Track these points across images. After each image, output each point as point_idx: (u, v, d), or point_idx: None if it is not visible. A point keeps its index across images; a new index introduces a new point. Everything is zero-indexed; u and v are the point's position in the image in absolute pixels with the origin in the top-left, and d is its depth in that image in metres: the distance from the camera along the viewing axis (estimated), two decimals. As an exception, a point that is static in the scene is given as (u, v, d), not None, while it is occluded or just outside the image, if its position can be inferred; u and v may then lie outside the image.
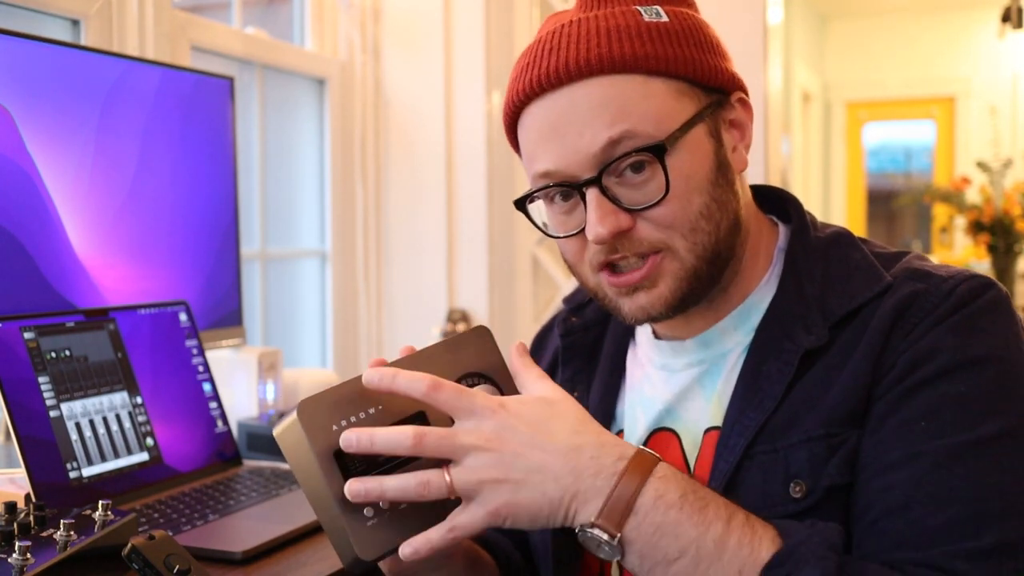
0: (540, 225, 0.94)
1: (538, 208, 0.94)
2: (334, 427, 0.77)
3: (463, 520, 0.76)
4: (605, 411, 1.01)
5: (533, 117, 0.90)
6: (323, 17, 2.41)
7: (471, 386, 0.83)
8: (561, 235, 0.92)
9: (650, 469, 0.77)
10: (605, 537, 0.75)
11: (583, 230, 0.88)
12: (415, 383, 0.77)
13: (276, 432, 0.80)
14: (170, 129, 1.57)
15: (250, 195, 2.14)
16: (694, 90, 0.88)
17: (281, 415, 1.59)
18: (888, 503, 0.80)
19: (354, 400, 0.79)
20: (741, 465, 0.86)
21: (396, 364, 0.82)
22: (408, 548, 0.76)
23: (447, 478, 0.76)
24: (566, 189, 0.89)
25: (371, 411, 0.79)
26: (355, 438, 0.76)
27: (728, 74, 0.91)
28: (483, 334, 0.87)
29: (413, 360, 0.83)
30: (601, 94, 0.86)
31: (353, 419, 0.78)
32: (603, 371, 1.04)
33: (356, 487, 0.76)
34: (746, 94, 0.94)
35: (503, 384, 0.86)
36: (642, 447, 0.79)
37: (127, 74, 1.49)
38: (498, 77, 2.46)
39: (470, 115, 2.44)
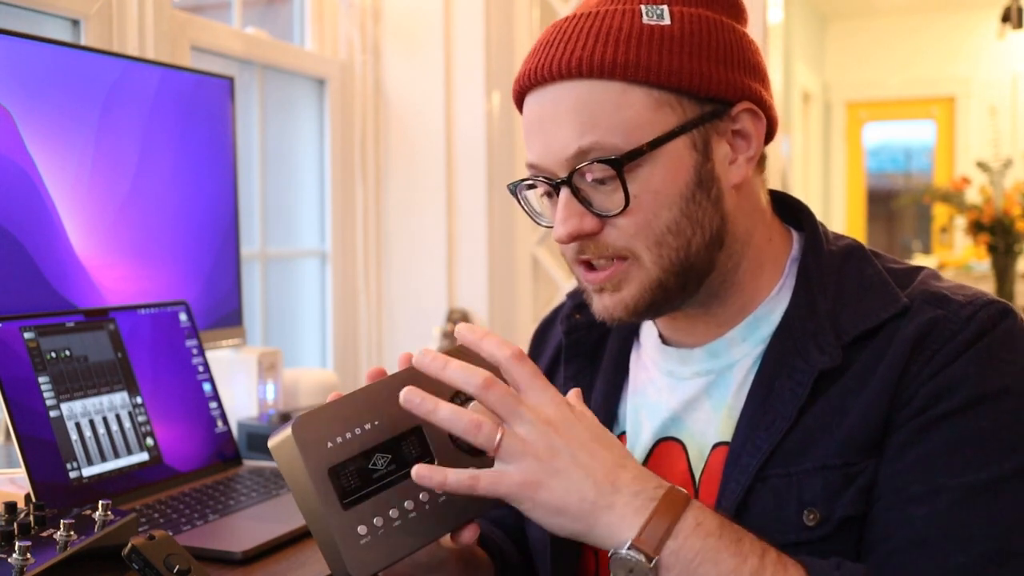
0: (528, 210, 0.96)
1: (535, 194, 0.96)
2: (329, 444, 0.77)
3: (490, 477, 0.75)
4: (607, 411, 1.00)
5: (528, 107, 0.91)
6: (323, 17, 2.41)
7: (468, 399, 0.83)
8: (546, 224, 0.95)
9: (687, 499, 0.77)
10: (642, 559, 0.73)
11: None
12: (502, 348, 0.78)
13: (271, 444, 0.79)
14: (170, 129, 1.57)
15: (250, 195, 2.14)
16: (680, 100, 0.86)
17: (284, 416, 1.59)
18: (909, 537, 0.80)
19: (350, 416, 0.79)
20: (753, 487, 0.85)
21: (392, 378, 0.82)
22: (424, 470, 0.76)
23: (499, 435, 0.75)
24: (545, 187, 0.91)
25: (367, 427, 0.79)
26: (429, 360, 0.77)
27: (730, 84, 0.88)
28: None
29: (411, 371, 0.82)
30: (576, 98, 0.86)
31: (348, 435, 0.78)
32: (606, 370, 1.03)
33: (411, 396, 0.76)
34: (759, 104, 0.90)
35: None
36: (674, 486, 0.78)
37: (127, 74, 1.49)
38: (498, 77, 2.46)
39: (470, 115, 2.43)
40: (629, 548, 0.74)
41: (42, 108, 1.34)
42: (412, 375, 0.81)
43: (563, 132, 0.86)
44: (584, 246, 0.89)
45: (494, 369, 0.84)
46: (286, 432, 0.77)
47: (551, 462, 0.75)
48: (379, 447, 0.79)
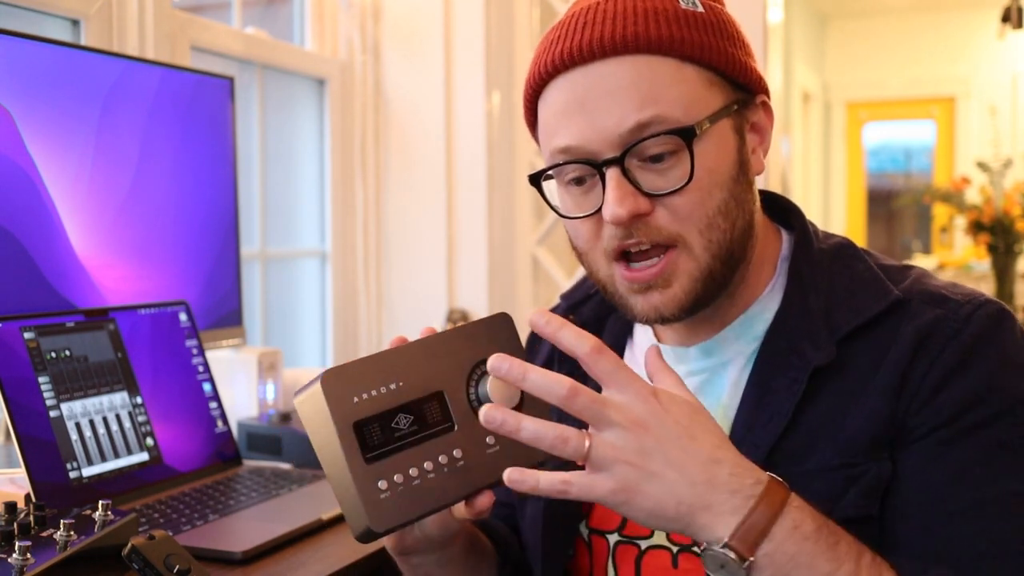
0: (550, 202, 0.92)
1: (551, 187, 0.92)
2: (355, 399, 0.78)
3: (583, 482, 0.72)
4: None
5: (559, 90, 0.88)
6: (323, 17, 2.41)
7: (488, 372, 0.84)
8: (575, 216, 0.89)
9: (785, 498, 0.73)
10: (733, 557, 0.71)
11: (599, 211, 0.86)
12: (580, 342, 0.73)
13: (297, 400, 0.80)
14: (170, 129, 1.57)
15: (250, 195, 2.14)
16: (724, 83, 0.87)
17: (284, 416, 1.59)
18: (960, 554, 0.79)
19: (376, 375, 0.80)
20: None
21: (416, 343, 0.82)
22: (516, 474, 0.73)
23: (587, 444, 0.72)
24: (584, 168, 0.87)
25: (392, 386, 0.80)
26: (507, 367, 0.73)
27: (756, 74, 0.90)
28: (505, 322, 0.87)
29: (435, 340, 0.83)
30: (634, 73, 0.84)
31: (374, 392, 0.79)
32: None
33: (493, 413, 0.72)
34: (769, 98, 0.93)
35: None
36: (773, 475, 0.75)
37: (127, 74, 1.49)
38: (498, 77, 2.46)
39: (470, 115, 2.44)
40: (724, 546, 0.71)
41: (42, 108, 1.34)
42: (433, 342, 0.83)
43: (617, 107, 0.84)
44: (634, 229, 0.85)
45: (492, 348, 0.84)
46: (314, 387, 0.78)
47: (644, 466, 0.72)
48: (402, 407, 0.80)
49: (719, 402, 0.92)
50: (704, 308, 0.90)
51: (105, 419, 1.25)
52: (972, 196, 5.04)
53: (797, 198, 1.03)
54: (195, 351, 1.42)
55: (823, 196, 7.29)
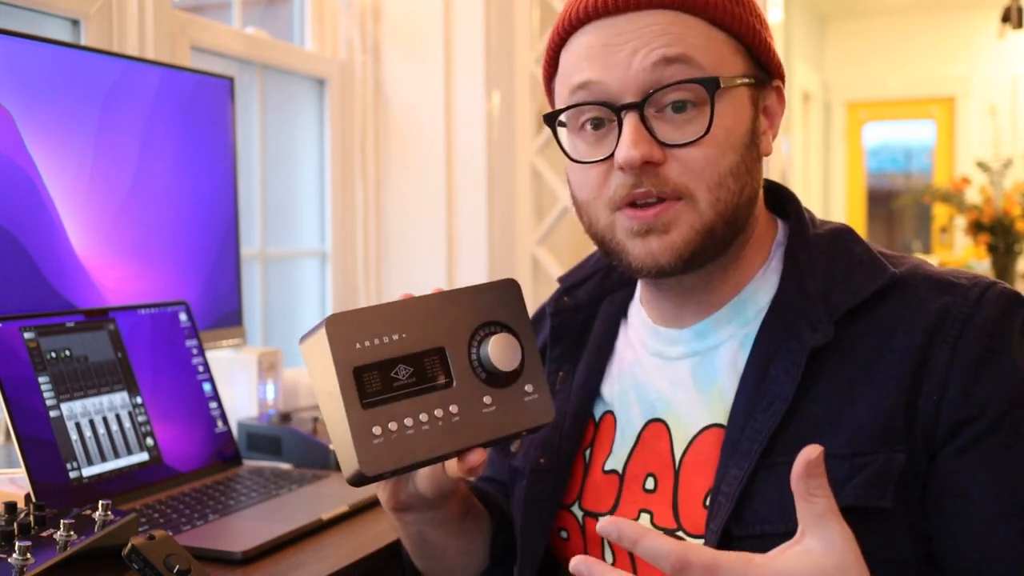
0: (562, 146, 0.92)
1: (571, 129, 0.91)
2: (357, 345, 0.80)
3: None
4: (590, 389, 1.01)
5: (586, 35, 0.87)
6: (323, 17, 2.41)
7: (491, 334, 0.85)
8: (585, 161, 0.89)
9: None
10: None
11: (610, 157, 0.86)
12: (661, 557, 0.66)
13: (302, 345, 0.82)
14: (170, 129, 1.57)
15: (250, 195, 2.14)
16: (747, 56, 0.88)
17: (284, 416, 1.59)
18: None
19: (380, 324, 0.82)
20: (758, 473, 0.83)
21: (422, 299, 0.85)
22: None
23: None
24: (601, 110, 0.86)
25: (395, 337, 0.82)
26: (616, 532, 0.67)
27: (776, 58, 0.91)
28: (513, 287, 0.88)
29: (441, 297, 0.85)
30: (664, 22, 0.85)
31: (376, 341, 0.81)
32: (591, 350, 1.03)
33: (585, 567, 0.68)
34: (783, 85, 0.93)
35: (523, 338, 0.87)
36: None
37: (127, 74, 1.49)
38: (498, 77, 2.46)
39: (470, 115, 2.43)
40: None
41: (42, 108, 1.34)
42: (443, 299, 0.85)
43: (644, 46, 0.84)
44: (644, 178, 0.84)
45: (486, 311, 0.86)
46: (320, 330, 0.80)
47: None
48: (403, 359, 0.82)
49: (713, 385, 0.91)
50: (700, 266, 0.89)
51: (105, 419, 1.25)
52: (972, 196, 5.05)
53: (797, 198, 1.03)
54: (195, 351, 1.42)
55: (823, 196, 7.30)
